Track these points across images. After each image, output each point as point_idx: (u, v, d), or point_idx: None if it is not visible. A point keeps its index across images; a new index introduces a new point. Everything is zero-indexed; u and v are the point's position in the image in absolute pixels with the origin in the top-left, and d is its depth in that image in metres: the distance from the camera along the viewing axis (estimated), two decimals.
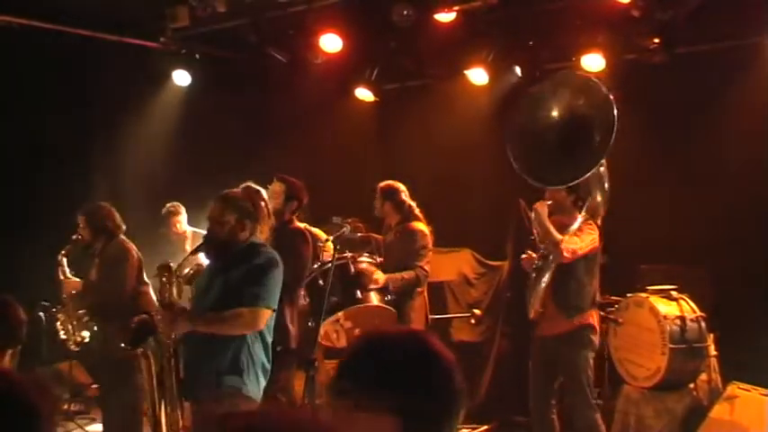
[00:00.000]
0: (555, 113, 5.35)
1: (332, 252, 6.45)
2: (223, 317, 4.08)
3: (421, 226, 6.16)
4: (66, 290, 6.03)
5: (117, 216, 5.98)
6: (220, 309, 4.12)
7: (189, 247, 7.47)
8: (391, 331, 1.84)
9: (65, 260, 6.12)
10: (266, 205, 4.54)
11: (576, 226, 5.23)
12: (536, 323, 5.49)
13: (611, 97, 5.05)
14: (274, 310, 4.22)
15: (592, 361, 5.39)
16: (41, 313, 6.15)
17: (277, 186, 5.78)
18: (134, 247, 5.97)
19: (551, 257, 5.24)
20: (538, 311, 5.38)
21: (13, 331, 2.94)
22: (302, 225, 6.92)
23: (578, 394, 5.31)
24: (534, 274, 5.39)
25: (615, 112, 4.99)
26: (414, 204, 6.26)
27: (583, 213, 5.28)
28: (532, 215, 5.40)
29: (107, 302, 5.77)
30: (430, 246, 6.17)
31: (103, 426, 6.10)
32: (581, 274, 5.29)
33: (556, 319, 5.32)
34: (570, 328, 5.28)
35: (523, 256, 5.58)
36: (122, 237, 5.95)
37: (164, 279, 4.23)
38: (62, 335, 5.94)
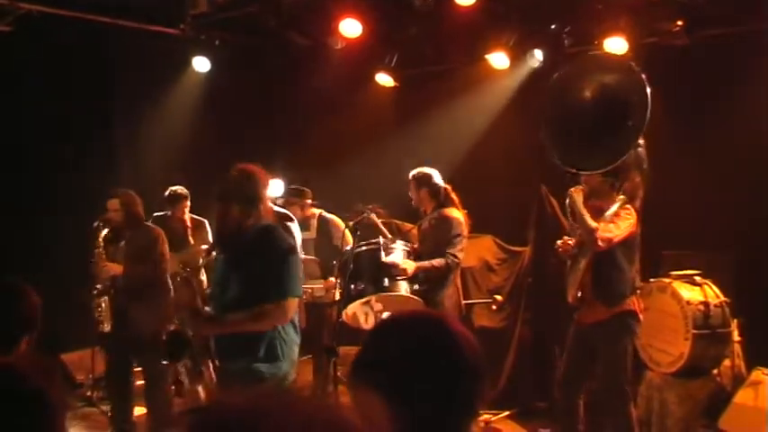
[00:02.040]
0: (587, 96, 5.17)
1: (350, 241, 6.52)
2: (251, 316, 4.01)
3: (456, 213, 6.09)
4: (106, 274, 6.16)
5: (139, 203, 6.25)
6: (243, 302, 4.05)
7: (191, 235, 7.53)
8: (406, 315, 1.86)
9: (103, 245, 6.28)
10: (263, 184, 4.41)
11: (612, 211, 5.10)
12: (575, 309, 5.38)
13: (644, 76, 4.90)
14: (300, 296, 4.20)
15: (631, 348, 5.25)
16: (94, 293, 6.21)
17: None
18: (164, 235, 6.26)
19: (586, 245, 5.17)
20: (576, 297, 5.29)
21: (28, 318, 2.94)
22: (317, 211, 6.92)
23: (613, 381, 5.18)
24: (570, 261, 5.32)
25: (648, 90, 4.84)
26: (449, 188, 6.19)
27: (620, 197, 5.15)
28: (567, 201, 5.26)
29: (140, 285, 6.04)
30: (465, 234, 6.10)
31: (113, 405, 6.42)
32: (621, 260, 5.15)
33: (596, 307, 5.20)
34: (611, 315, 5.15)
35: (559, 242, 5.43)
36: (148, 224, 6.28)
37: (187, 288, 4.23)
38: (99, 317, 6.10)
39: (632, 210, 5.16)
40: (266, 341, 4.06)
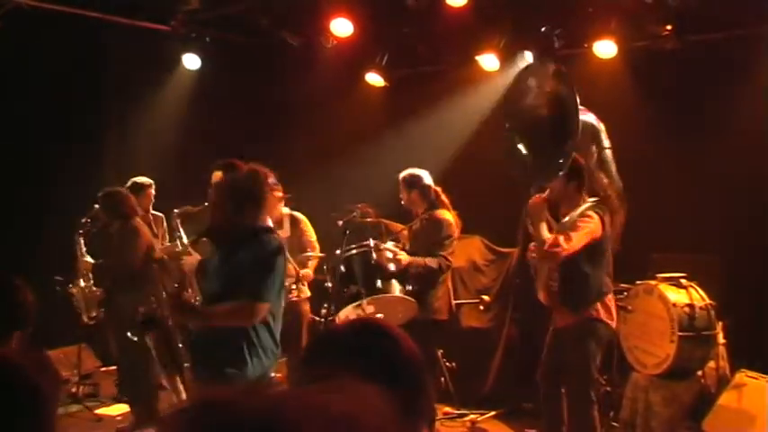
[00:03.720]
0: (542, 109, 4.97)
1: (314, 239, 6.54)
2: (221, 311, 4.04)
3: (447, 215, 6.12)
4: (82, 267, 6.39)
5: (132, 200, 6.36)
6: (221, 297, 4.08)
7: (155, 231, 7.50)
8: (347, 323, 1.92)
9: (81, 240, 6.46)
10: (269, 186, 4.39)
11: (571, 220, 5.01)
12: (550, 313, 5.39)
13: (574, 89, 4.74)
14: (270, 302, 4.10)
15: (599, 355, 5.17)
16: (58, 288, 6.32)
17: (220, 176, 5.72)
18: (146, 230, 6.35)
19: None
20: (547, 299, 5.31)
21: (19, 314, 2.93)
22: (288, 211, 6.90)
23: (578, 386, 5.16)
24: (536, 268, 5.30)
25: (577, 97, 4.66)
26: (439, 190, 6.21)
27: (589, 201, 5.07)
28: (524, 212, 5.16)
29: (117, 279, 6.19)
30: (455, 235, 6.13)
31: (124, 395, 6.65)
32: (584, 265, 5.06)
33: (563, 311, 5.22)
34: (577, 320, 5.12)
35: (531, 246, 5.37)
36: (137, 219, 6.30)
37: (164, 274, 4.31)
38: (77, 308, 6.23)
39: (594, 215, 5.02)
40: (234, 341, 4.05)
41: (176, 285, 4.40)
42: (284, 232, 6.74)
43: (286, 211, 6.76)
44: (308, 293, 6.49)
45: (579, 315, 5.11)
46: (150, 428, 6.16)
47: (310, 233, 6.64)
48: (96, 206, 6.35)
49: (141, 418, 6.31)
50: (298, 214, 6.80)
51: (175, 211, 5.95)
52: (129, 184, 7.23)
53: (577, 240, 4.92)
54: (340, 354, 1.70)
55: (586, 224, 4.98)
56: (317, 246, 6.60)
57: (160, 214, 7.59)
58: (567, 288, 5.13)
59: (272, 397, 0.89)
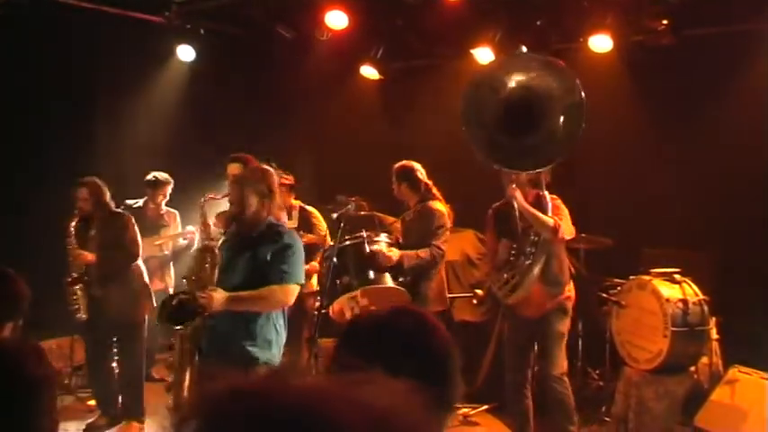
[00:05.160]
0: (511, 94, 5.10)
1: (325, 232, 6.65)
2: (257, 295, 4.26)
3: (439, 205, 6.14)
4: (81, 262, 6.25)
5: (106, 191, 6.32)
6: (249, 285, 4.29)
7: (165, 222, 7.55)
8: (387, 310, 1.85)
9: (74, 231, 6.36)
10: (278, 183, 4.60)
11: (550, 206, 5.26)
12: (516, 306, 5.53)
13: (578, 80, 4.92)
14: (302, 285, 4.44)
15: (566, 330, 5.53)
16: (69, 289, 6.27)
17: (235, 167, 5.79)
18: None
19: (541, 243, 5.24)
20: (524, 297, 5.39)
21: (12, 304, 2.94)
22: (297, 203, 6.96)
23: (551, 360, 5.42)
24: (528, 261, 5.34)
25: (583, 94, 4.85)
26: (430, 183, 6.23)
27: (543, 192, 5.28)
28: (514, 203, 5.30)
29: (113, 271, 6.19)
30: (448, 225, 6.16)
31: (96, 390, 6.63)
32: (559, 251, 5.43)
33: (543, 298, 5.40)
34: (556, 304, 5.43)
35: (503, 241, 5.53)
36: (117, 210, 6.38)
37: (207, 260, 4.34)
38: (75, 305, 6.17)
39: (561, 203, 5.38)
40: (261, 326, 4.31)
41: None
42: (292, 223, 6.78)
43: (296, 203, 6.82)
44: (315, 287, 6.57)
45: (558, 298, 5.43)
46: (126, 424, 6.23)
47: (321, 226, 6.86)
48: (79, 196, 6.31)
49: (107, 415, 6.36)
50: (309, 207, 6.88)
51: (202, 199, 5.96)
52: (149, 177, 7.37)
53: (569, 222, 5.34)
54: (376, 344, 1.70)
55: (564, 208, 5.37)
56: (329, 239, 6.68)
57: (174, 210, 7.66)
58: (550, 274, 5.39)
59: (302, 388, 0.86)
